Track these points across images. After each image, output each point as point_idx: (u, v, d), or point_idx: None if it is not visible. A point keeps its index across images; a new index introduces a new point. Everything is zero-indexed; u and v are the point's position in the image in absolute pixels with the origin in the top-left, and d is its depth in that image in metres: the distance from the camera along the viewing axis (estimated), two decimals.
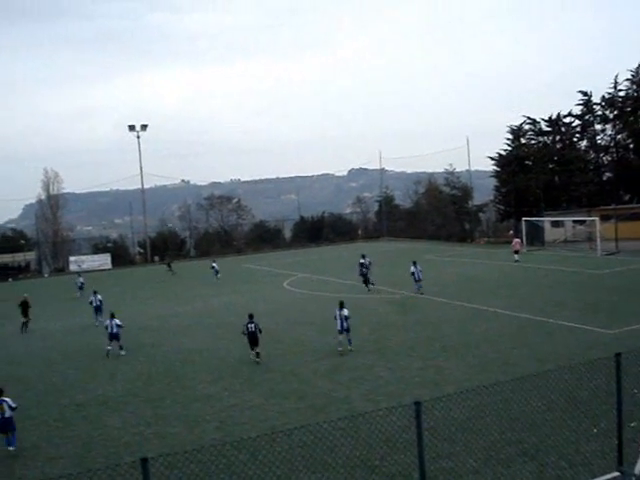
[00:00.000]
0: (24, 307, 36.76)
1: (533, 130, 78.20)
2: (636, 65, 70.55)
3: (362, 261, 43.32)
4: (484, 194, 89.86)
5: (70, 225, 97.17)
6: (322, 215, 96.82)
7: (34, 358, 28.94)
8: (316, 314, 33.61)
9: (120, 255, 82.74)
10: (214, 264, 54.89)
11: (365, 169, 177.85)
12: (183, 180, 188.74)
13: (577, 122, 76.22)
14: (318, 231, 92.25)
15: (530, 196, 72.54)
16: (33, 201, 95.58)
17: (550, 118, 76.64)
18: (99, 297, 36.72)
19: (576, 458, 13.26)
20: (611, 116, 73.06)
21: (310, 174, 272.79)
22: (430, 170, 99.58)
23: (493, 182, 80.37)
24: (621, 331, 24.94)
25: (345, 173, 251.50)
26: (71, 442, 17.36)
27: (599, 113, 74.23)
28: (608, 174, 75.46)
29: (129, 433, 17.67)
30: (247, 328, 24.65)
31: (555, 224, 65.94)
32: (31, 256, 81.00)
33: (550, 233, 64.93)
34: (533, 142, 78.67)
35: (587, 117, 75.09)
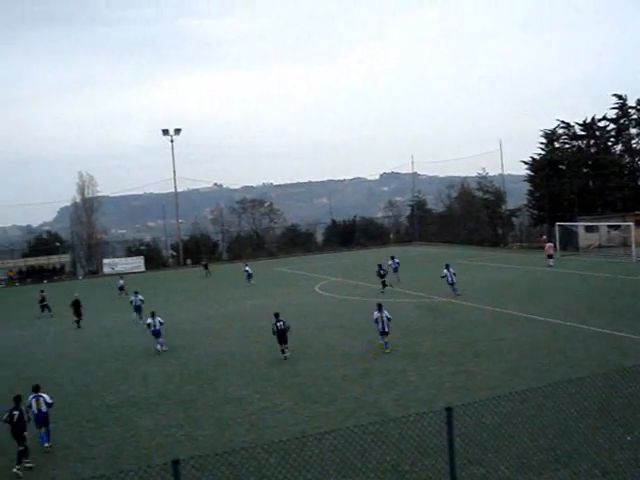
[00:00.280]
0: (76, 306, 38.65)
1: (567, 134, 77.41)
2: None
3: (387, 262, 46.62)
4: (517, 199, 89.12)
5: (104, 228, 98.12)
6: (354, 219, 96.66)
7: (67, 359, 29.31)
8: (347, 318, 33.62)
9: (153, 258, 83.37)
10: (247, 267, 54.98)
11: (397, 173, 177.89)
12: (216, 184, 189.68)
13: (612, 126, 75.26)
14: (350, 235, 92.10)
15: (564, 201, 71.79)
16: (68, 204, 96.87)
17: (584, 122, 75.81)
18: (140, 297, 38.41)
19: (609, 466, 13.11)
20: None
21: (342, 178, 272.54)
22: (463, 174, 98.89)
23: (526, 186, 79.67)
24: None
25: (377, 177, 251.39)
26: (103, 443, 17.56)
27: (634, 117, 73.32)
28: None
29: (161, 435, 17.82)
30: (276, 327, 25.49)
31: (589, 229, 65.10)
32: (66, 259, 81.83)
33: (584, 238, 64.12)
34: (567, 146, 77.85)
35: (622, 121, 74.16)
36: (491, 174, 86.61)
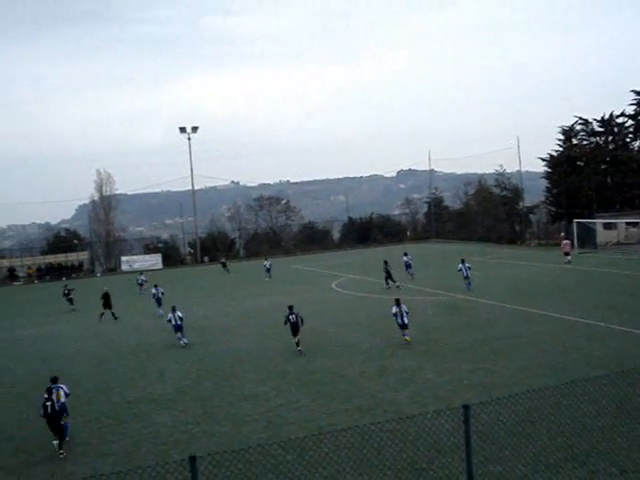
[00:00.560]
0: (106, 299, 39.67)
1: (585, 130, 77.00)
2: None
3: (402, 259, 47.93)
4: (535, 195, 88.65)
5: (122, 225, 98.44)
6: (371, 216, 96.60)
7: (86, 356, 29.51)
8: (364, 315, 33.65)
9: (171, 255, 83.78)
10: (266, 262, 55.68)
11: (414, 170, 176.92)
12: (233, 181, 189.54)
13: (630, 122, 74.77)
14: (366, 232, 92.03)
15: (582, 197, 71.39)
16: (86, 202, 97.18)
17: (602, 118, 75.36)
18: (161, 290, 40.09)
19: (627, 465, 13.04)
20: None
21: (359, 175, 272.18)
22: (480, 171, 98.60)
23: (544, 183, 79.31)
24: None
25: (394, 174, 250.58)
26: (122, 439, 17.67)
27: None
28: None
29: (178, 431, 17.91)
30: (289, 319, 26.26)
31: (607, 226, 64.71)
32: (84, 256, 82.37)
33: (602, 235, 63.76)
34: (585, 143, 77.43)
35: None
36: (508, 171, 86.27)
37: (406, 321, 26.19)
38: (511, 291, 38.32)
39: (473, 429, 10.54)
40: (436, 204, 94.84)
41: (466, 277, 39.35)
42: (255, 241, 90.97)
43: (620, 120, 75.21)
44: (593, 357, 22.20)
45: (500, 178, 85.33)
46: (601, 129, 76.10)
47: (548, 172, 77.40)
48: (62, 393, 17.60)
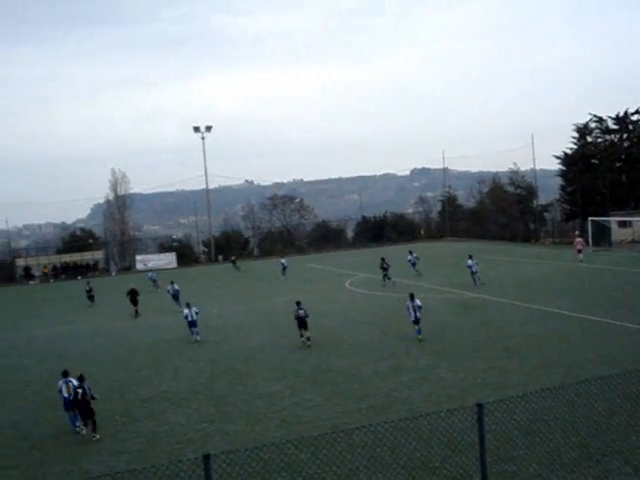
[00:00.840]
0: (132, 295, 40.56)
1: (600, 128, 76.57)
2: None
3: (407, 257, 48.77)
4: (549, 194, 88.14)
5: (137, 225, 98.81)
6: (384, 215, 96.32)
7: (101, 354, 29.68)
8: (377, 314, 33.65)
9: (185, 254, 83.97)
10: (283, 260, 56.11)
11: (428, 169, 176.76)
12: (247, 180, 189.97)
13: None
14: (380, 231, 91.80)
15: (597, 195, 71.03)
16: (101, 201, 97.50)
17: (617, 116, 74.95)
18: (176, 287, 41.56)
19: None
20: None
21: (372, 174, 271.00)
22: (494, 169, 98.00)
23: (559, 181, 78.94)
24: None
25: (408, 173, 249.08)
26: (137, 437, 17.79)
27: None
28: None
29: (192, 429, 17.99)
30: (297, 314, 27.02)
31: (622, 224, 64.37)
32: (99, 255, 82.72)
33: (617, 233, 63.41)
34: (600, 140, 77.02)
35: None
36: (523, 169, 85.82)
37: (418, 315, 26.39)
38: (525, 289, 38.18)
39: (487, 428, 10.54)
40: (450, 202, 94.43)
41: (475, 272, 40.15)
42: (269, 240, 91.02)
43: (635, 118, 74.77)
44: (607, 356, 22.09)
45: (514, 176, 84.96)
46: (616, 127, 75.69)
47: (563, 170, 77.04)
48: (72, 387, 18.59)
